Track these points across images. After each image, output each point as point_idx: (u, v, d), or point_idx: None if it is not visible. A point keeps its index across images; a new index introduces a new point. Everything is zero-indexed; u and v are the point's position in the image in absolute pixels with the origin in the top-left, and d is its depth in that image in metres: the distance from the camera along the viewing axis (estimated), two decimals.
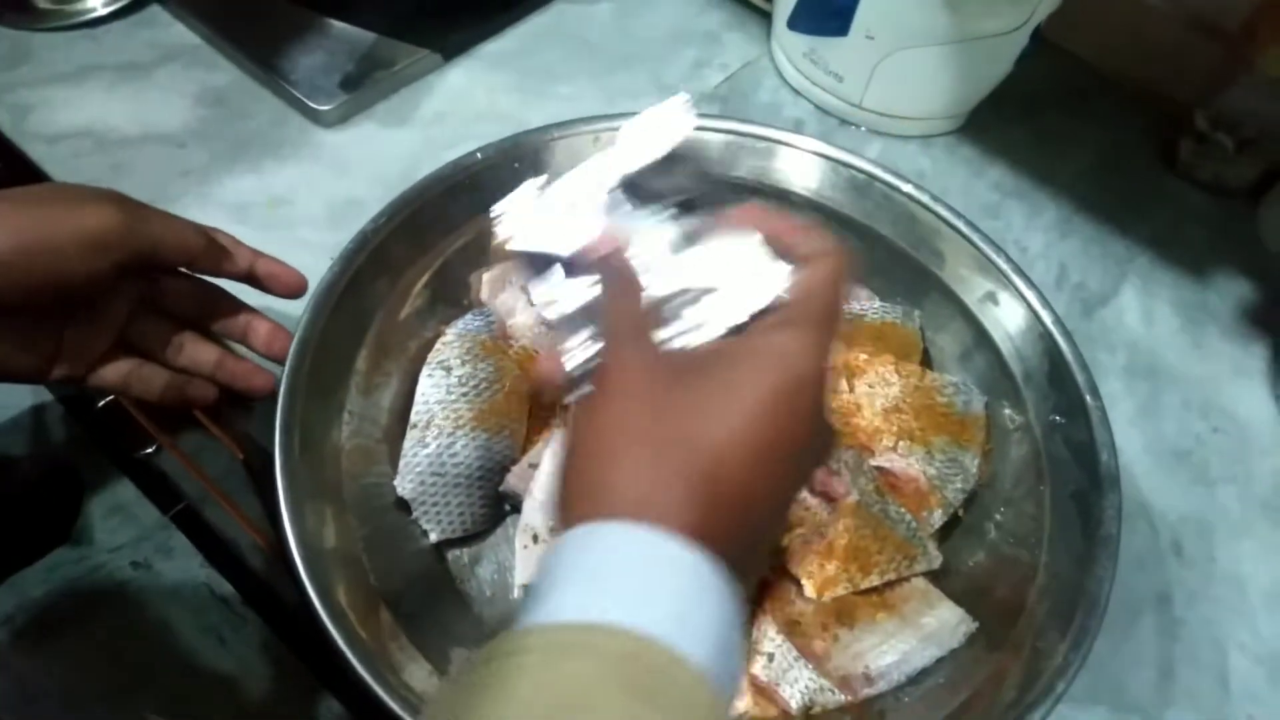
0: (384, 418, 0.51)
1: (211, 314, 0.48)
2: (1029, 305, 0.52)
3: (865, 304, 0.57)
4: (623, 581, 0.28)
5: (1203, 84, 0.70)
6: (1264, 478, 0.58)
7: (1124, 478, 0.48)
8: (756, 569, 0.32)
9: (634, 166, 0.39)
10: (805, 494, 0.51)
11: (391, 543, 0.48)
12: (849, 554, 0.47)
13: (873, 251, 0.57)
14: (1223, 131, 0.68)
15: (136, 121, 0.65)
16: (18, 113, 0.64)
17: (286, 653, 1.20)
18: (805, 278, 0.36)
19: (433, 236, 0.54)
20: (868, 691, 0.46)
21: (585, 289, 0.38)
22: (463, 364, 0.51)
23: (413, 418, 0.50)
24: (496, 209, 0.41)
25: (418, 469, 0.49)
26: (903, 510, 0.50)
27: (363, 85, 0.67)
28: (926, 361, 0.56)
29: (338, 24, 0.71)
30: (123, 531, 1.33)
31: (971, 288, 0.55)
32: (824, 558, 0.47)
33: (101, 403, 1.17)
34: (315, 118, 0.66)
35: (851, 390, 0.54)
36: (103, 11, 0.70)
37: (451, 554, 0.50)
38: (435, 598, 0.49)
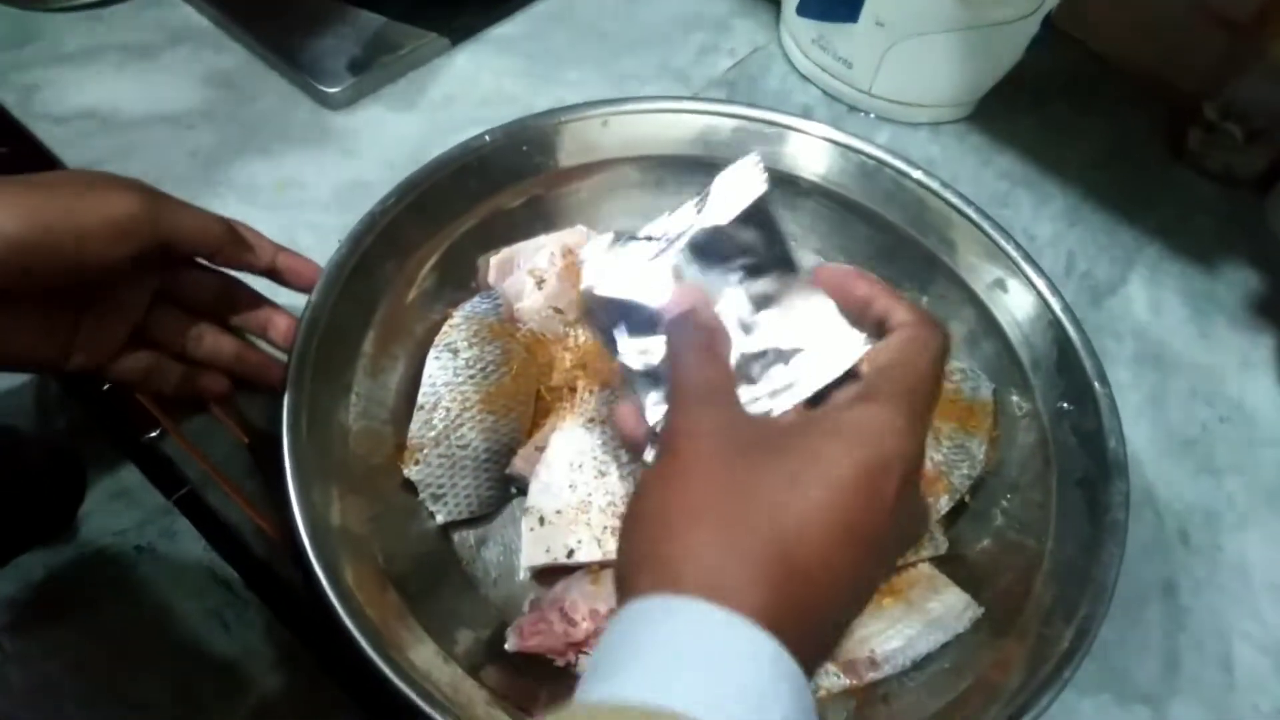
0: (391, 400, 0.51)
1: (230, 307, 0.48)
2: (1038, 292, 0.52)
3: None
4: (692, 667, 0.26)
5: (1212, 74, 0.70)
6: (1270, 467, 0.58)
7: (1131, 467, 0.48)
8: (825, 659, 0.29)
9: (705, 225, 0.38)
10: None
11: (398, 524, 0.48)
12: None
13: (881, 237, 0.57)
14: (1232, 121, 0.68)
15: (144, 103, 0.65)
16: (25, 93, 0.64)
17: (290, 637, 1.20)
18: (896, 347, 0.34)
19: (441, 219, 0.54)
20: (872, 676, 0.46)
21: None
22: (470, 346, 0.51)
23: (420, 400, 0.50)
24: (583, 254, 0.40)
25: (424, 451, 0.49)
26: None
27: (370, 68, 0.67)
28: None
29: (346, 7, 0.70)
30: (126, 515, 1.33)
31: (980, 275, 0.55)
32: None
33: (105, 386, 1.17)
34: (323, 100, 0.66)
35: None
36: None
37: (458, 536, 0.50)
38: (441, 579, 0.49)
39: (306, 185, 0.62)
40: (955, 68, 0.66)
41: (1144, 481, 0.55)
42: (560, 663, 0.46)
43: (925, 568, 0.49)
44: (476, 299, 0.54)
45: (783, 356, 0.37)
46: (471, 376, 0.51)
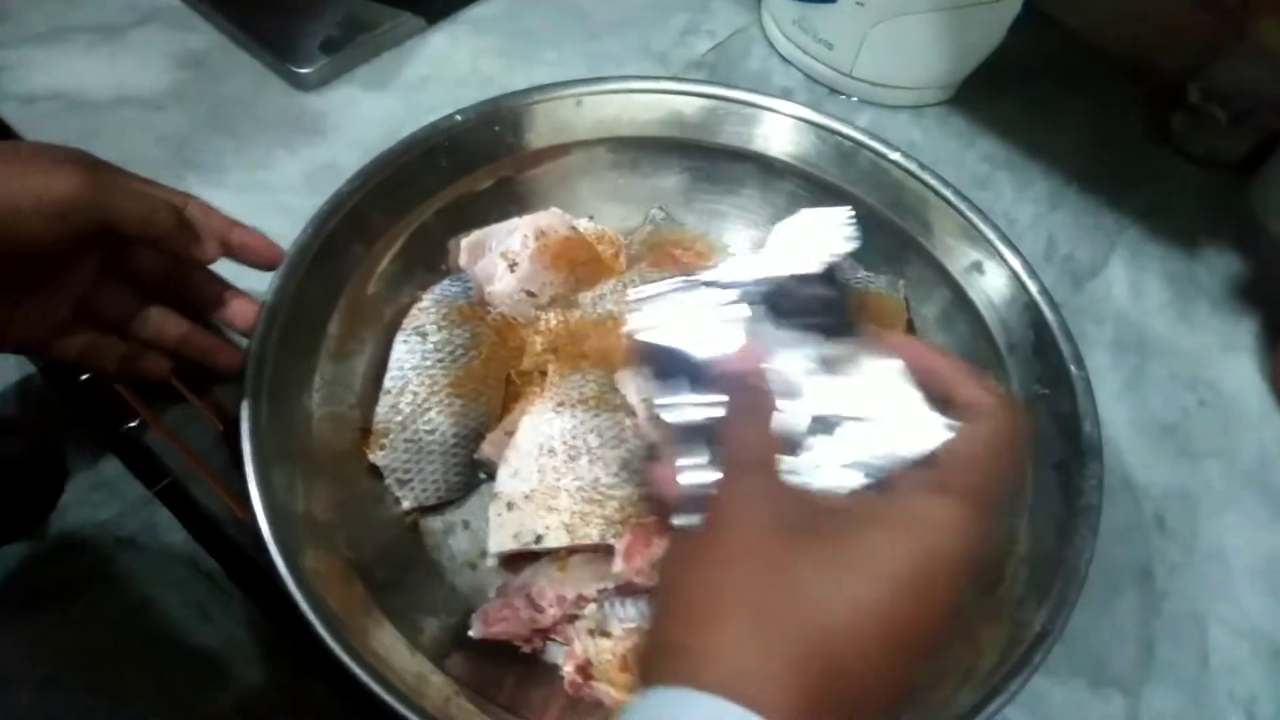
0: (358, 384, 0.51)
1: (181, 285, 0.46)
2: (1015, 275, 0.52)
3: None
4: None
5: (1195, 56, 0.69)
6: (1249, 451, 0.57)
7: (1108, 451, 0.47)
8: None
9: (783, 273, 0.36)
10: None
11: (364, 510, 0.48)
12: None
13: (857, 219, 0.56)
14: (1215, 104, 0.68)
15: (113, 83, 0.64)
16: None
17: (272, 629, 1.19)
18: (970, 435, 0.31)
19: (410, 200, 0.53)
20: None
21: (715, 403, 0.34)
22: (439, 330, 0.51)
23: (386, 384, 0.50)
24: (634, 294, 0.37)
25: (390, 436, 0.48)
26: None
27: (344, 48, 0.66)
28: (910, 330, 0.56)
29: None
30: (107, 507, 1.32)
31: (957, 257, 0.54)
32: None
33: (84, 376, 1.16)
34: (295, 81, 0.65)
35: None
36: None
37: (425, 522, 0.50)
38: (408, 566, 0.48)
39: (277, 167, 0.61)
40: (936, 49, 0.66)
41: (1121, 466, 0.55)
42: (526, 649, 0.45)
43: None
44: (446, 282, 0.53)
45: (847, 427, 0.34)
46: (440, 360, 0.50)
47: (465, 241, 0.55)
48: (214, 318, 0.47)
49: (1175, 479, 0.55)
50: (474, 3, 0.72)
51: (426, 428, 0.49)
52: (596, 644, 0.45)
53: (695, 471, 0.33)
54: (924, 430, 0.33)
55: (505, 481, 0.48)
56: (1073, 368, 0.49)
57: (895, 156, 0.55)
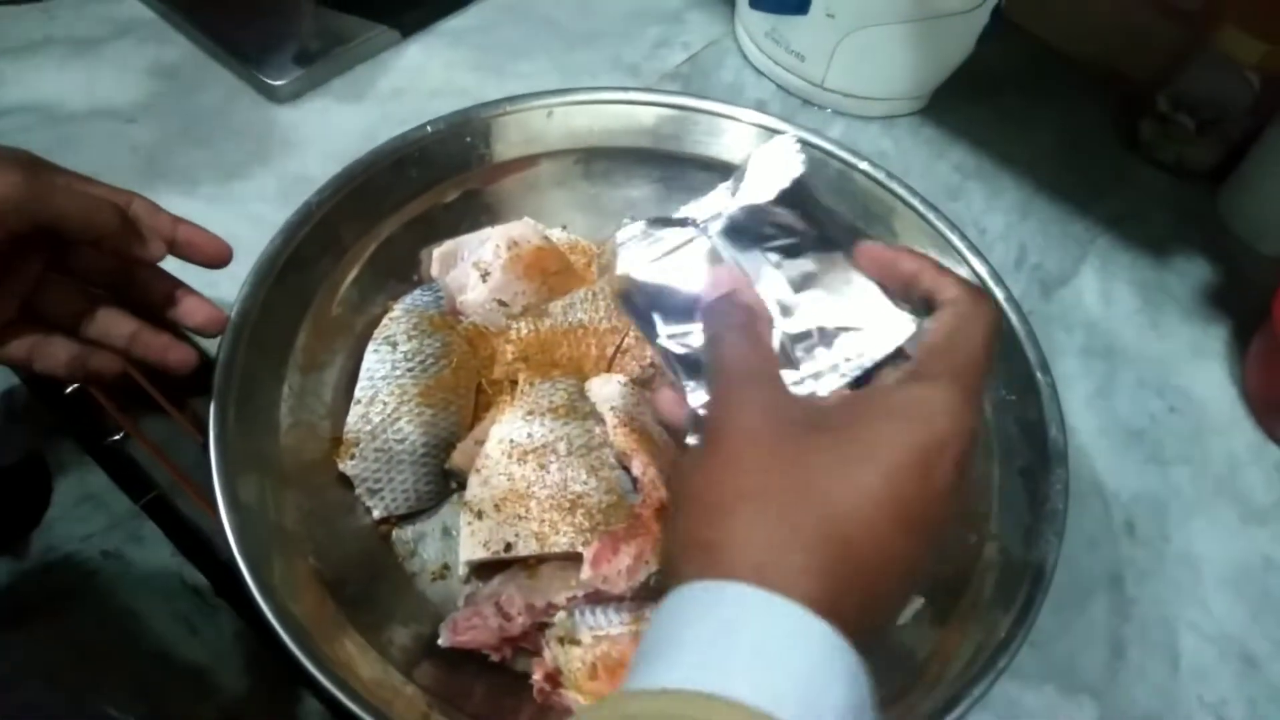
0: (329, 394, 0.51)
1: (130, 284, 0.45)
2: (981, 282, 0.52)
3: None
4: (745, 652, 0.25)
5: (1164, 65, 0.70)
6: (1219, 457, 0.57)
7: (1078, 458, 0.48)
8: (878, 642, 0.29)
9: (742, 205, 0.38)
10: None
11: (333, 520, 0.48)
12: None
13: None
14: (1184, 113, 0.68)
15: (86, 96, 0.64)
16: None
17: (258, 643, 1.19)
18: (947, 324, 0.33)
19: (380, 210, 0.53)
20: None
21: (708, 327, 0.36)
22: (409, 339, 0.51)
23: (357, 394, 0.50)
24: (619, 236, 0.39)
25: (360, 445, 0.48)
26: None
27: (318, 61, 0.66)
28: None
29: None
30: (93, 520, 1.32)
31: None
32: None
33: (69, 389, 1.16)
34: (269, 93, 0.65)
35: None
36: None
37: (396, 532, 0.50)
38: (378, 576, 0.48)
39: (250, 179, 0.61)
40: (907, 60, 0.66)
41: (1091, 473, 0.55)
42: (495, 658, 0.45)
43: None
44: (418, 292, 0.53)
45: (826, 337, 0.36)
46: (410, 370, 0.50)
47: (437, 251, 0.55)
48: (167, 316, 0.45)
49: (1145, 485, 0.56)
50: (448, 15, 0.73)
51: (397, 437, 0.49)
52: (566, 652, 0.45)
53: (699, 393, 0.35)
54: (900, 328, 0.35)
55: (476, 490, 0.48)
56: (1039, 374, 0.49)
57: (863, 166, 0.55)
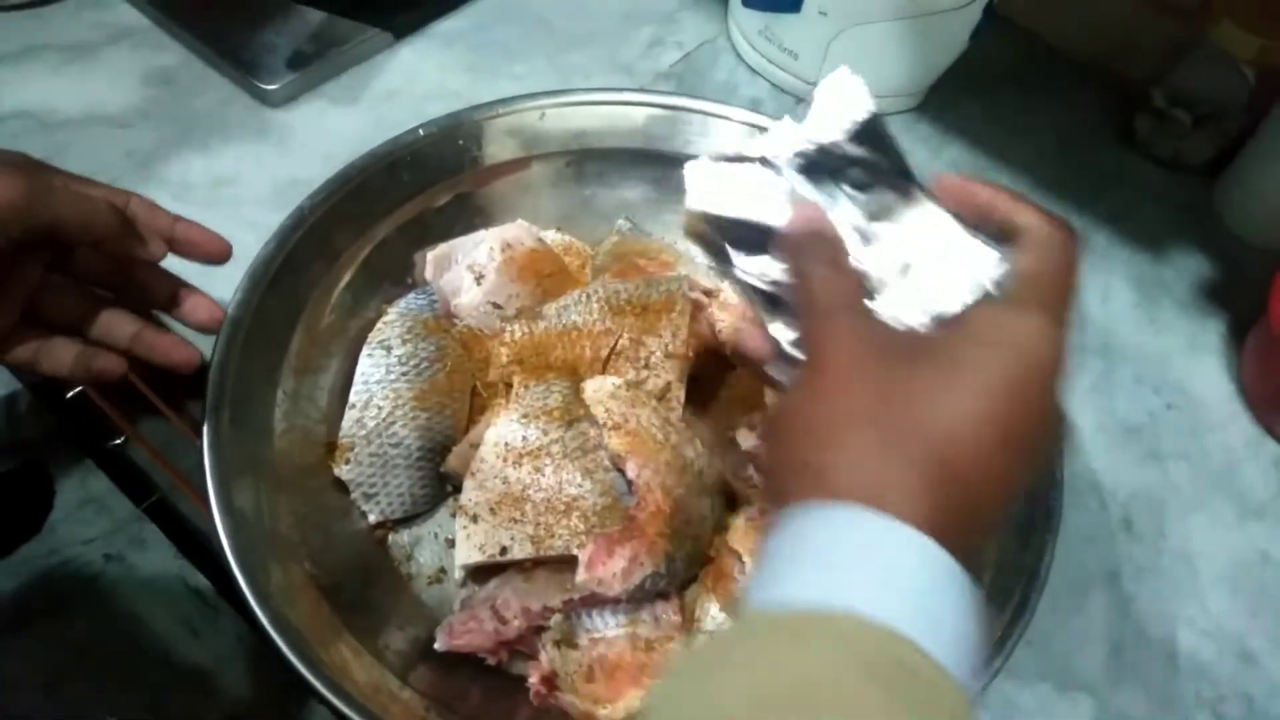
0: (323, 398, 0.51)
1: (131, 284, 0.45)
2: None
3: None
4: (861, 569, 0.27)
5: (1160, 60, 0.70)
6: (1216, 453, 0.57)
7: (1075, 454, 0.47)
8: (979, 567, 0.30)
9: (815, 142, 0.37)
10: (751, 470, 0.50)
11: (329, 524, 0.48)
12: None
13: None
14: (1180, 108, 0.68)
15: (81, 102, 0.64)
16: None
17: (261, 646, 1.18)
18: (1035, 254, 0.33)
19: (374, 214, 0.53)
20: None
21: (789, 261, 0.36)
22: (403, 343, 0.51)
23: (351, 398, 0.50)
24: (686, 172, 0.38)
25: (355, 450, 0.48)
26: None
27: (312, 64, 0.66)
28: None
29: (288, 3, 0.69)
30: (95, 524, 1.31)
31: None
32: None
33: (70, 393, 1.16)
34: (263, 97, 0.65)
35: None
36: None
37: (391, 536, 0.50)
38: (374, 580, 0.48)
39: (244, 182, 0.61)
40: (900, 57, 0.66)
41: (1088, 470, 0.55)
42: (492, 661, 0.45)
43: None
44: (412, 295, 0.53)
45: (904, 270, 0.36)
46: (405, 373, 0.50)
47: (431, 254, 0.55)
48: (170, 315, 0.46)
49: (1142, 481, 0.56)
50: (441, 18, 0.73)
51: (392, 441, 0.49)
52: (562, 655, 0.45)
53: (781, 327, 0.36)
54: (988, 265, 0.35)
55: (471, 493, 0.48)
56: None
57: None
